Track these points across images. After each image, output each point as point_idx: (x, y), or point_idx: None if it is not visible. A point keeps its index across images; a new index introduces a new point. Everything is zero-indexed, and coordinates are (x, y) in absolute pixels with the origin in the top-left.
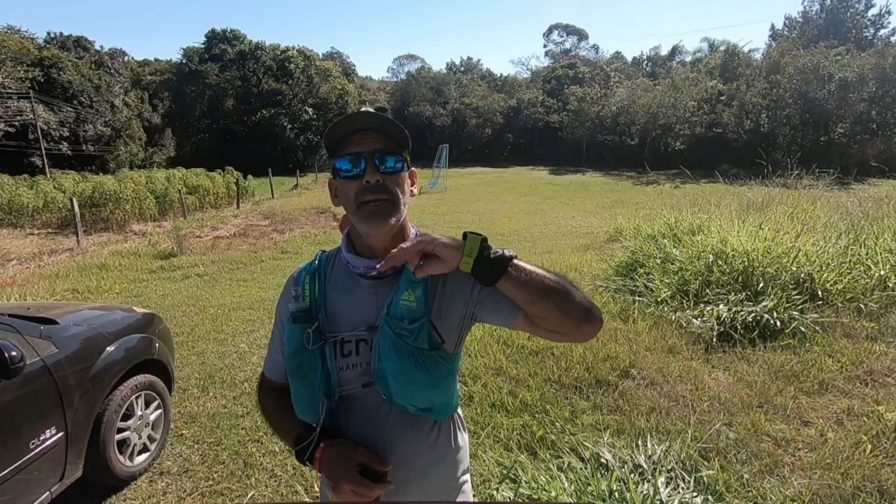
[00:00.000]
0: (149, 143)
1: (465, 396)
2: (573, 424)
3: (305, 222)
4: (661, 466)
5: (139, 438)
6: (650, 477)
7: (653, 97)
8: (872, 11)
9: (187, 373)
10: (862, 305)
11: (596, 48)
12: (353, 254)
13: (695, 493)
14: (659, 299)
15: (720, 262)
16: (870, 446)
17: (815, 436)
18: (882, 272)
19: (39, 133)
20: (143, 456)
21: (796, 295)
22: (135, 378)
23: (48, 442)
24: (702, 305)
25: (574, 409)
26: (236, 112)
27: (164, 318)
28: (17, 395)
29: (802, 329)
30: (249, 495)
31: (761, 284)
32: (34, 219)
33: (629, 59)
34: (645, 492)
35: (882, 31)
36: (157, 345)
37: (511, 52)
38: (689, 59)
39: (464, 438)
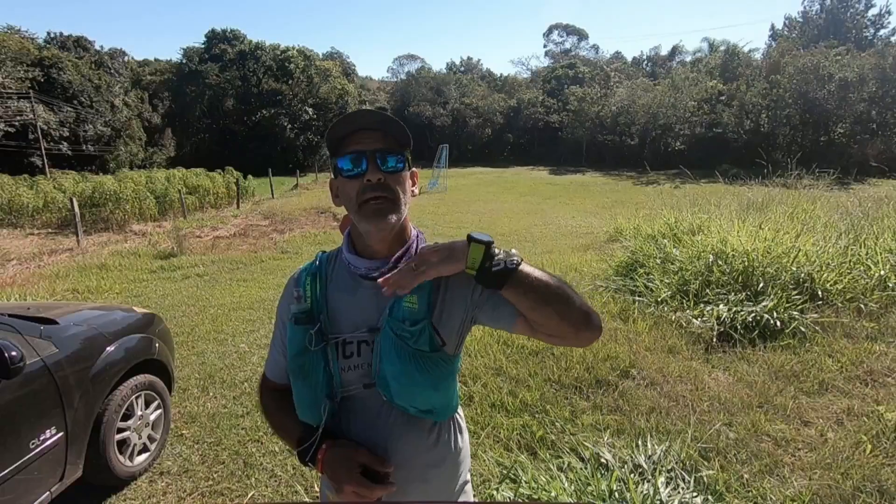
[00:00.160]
0: (149, 143)
1: (465, 396)
2: (573, 424)
3: (305, 222)
4: (661, 466)
5: (139, 438)
6: (650, 477)
7: (653, 97)
8: (872, 11)
9: (187, 373)
10: (862, 305)
11: (596, 48)
12: (354, 254)
13: (695, 493)
14: (659, 299)
15: (720, 262)
16: (870, 446)
17: (815, 436)
18: (882, 272)
19: (39, 133)
20: (143, 456)
21: (796, 295)
22: (135, 378)
23: (48, 442)
24: (702, 305)
25: (574, 409)
26: (236, 112)
27: (164, 318)
28: (17, 395)
29: (802, 329)
30: (249, 495)
31: (761, 284)
32: (34, 219)
33: (629, 59)
34: (645, 492)
35: (882, 31)
36: (157, 345)
37: (511, 52)
38: (689, 59)
39: (464, 439)
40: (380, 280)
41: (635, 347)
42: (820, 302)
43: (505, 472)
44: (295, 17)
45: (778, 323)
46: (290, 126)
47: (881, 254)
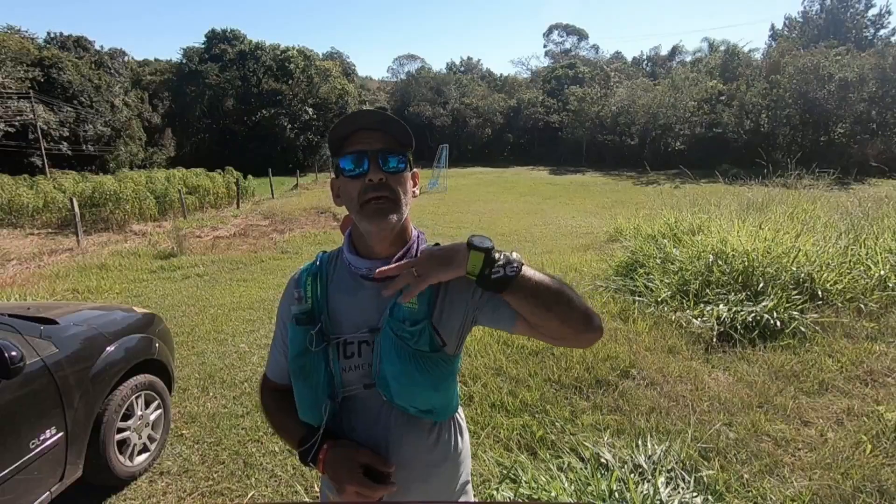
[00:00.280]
0: (149, 143)
1: (465, 396)
2: (573, 424)
3: (305, 222)
4: (661, 466)
5: (139, 438)
6: (650, 477)
7: (653, 97)
8: (872, 11)
9: (187, 373)
10: (862, 305)
11: (596, 48)
12: (354, 255)
13: (695, 493)
14: (659, 299)
15: (720, 262)
16: (870, 446)
17: (815, 436)
18: (882, 272)
19: (39, 133)
20: (143, 456)
21: (796, 295)
22: (135, 378)
23: (48, 442)
24: (702, 305)
25: (574, 409)
26: (236, 112)
27: (164, 318)
28: (17, 395)
29: (802, 329)
30: (249, 495)
31: (761, 284)
32: (34, 219)
33: (629, 59)
34: (645, 492)
35: (882, 31)
36: (157, 345)
37: (511, 52)
38: (689, 59)
39: (464, 439)
40: (377, 273)
41: (635, 347)
42: (820, 302)
43: (505, 472)
44: (295, 17)
45: (778, 323)
46: (290, 126)
47: (881, 254)
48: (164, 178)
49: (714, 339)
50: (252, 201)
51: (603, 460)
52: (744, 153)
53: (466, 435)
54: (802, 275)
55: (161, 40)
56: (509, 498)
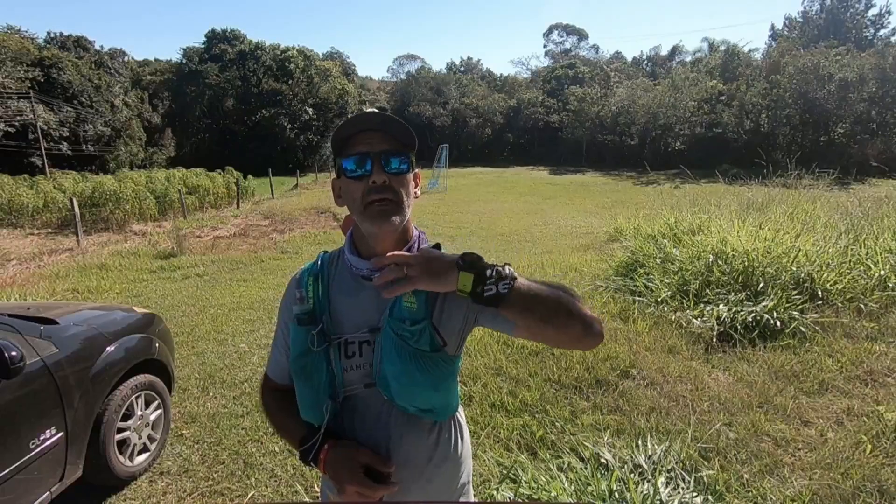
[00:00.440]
0: (149, 143)
1: (465, 396)
2: (573, 424)
3: (305, 222)
4: (661, 466)
5: (139, 438)
6: (650, 477)
7: (653, 97)
8: (872, 11)
9: (187, 373)
10: (862, 305)
11: (596, 48)
12: (356, 256)
13: (695, 493)
14: (659, 299)
15: (720, 262)
16: (870, 446)
17: (815, 436)
18: (882, 272)
19: (39, 133)
20: (143, 456)
21: (796, 295)
22: (135, 378)
23: (48, 442)
24: (702, 305)
25: (574, 409)
26: (236, 112)
27: (164, 318)
28: (17, 395)
29: (802, 329)
30: (249, 495)
31: (761, 284)
32: (34, 219)
33: (629, 59)
34: (645, 492)
35: (882, 31)
36: (157, 345)
37: (511, 52)
38: (689, 59)
39: (465, 439)
40: (375, 283)
41: (635, 347)
42: (820, 302)
43: (505, 472)
44: (295, 17)
45: (778, 323)
46: (290, 126)
47: (881, 254)
48: (164, 178)
49: (714, 339)
50: (252, 201)
51: (603, 460)
52: (744, 153)
53: (467, 435)
54: (802, 275)
55: (161, 40)
56: (509, 498)
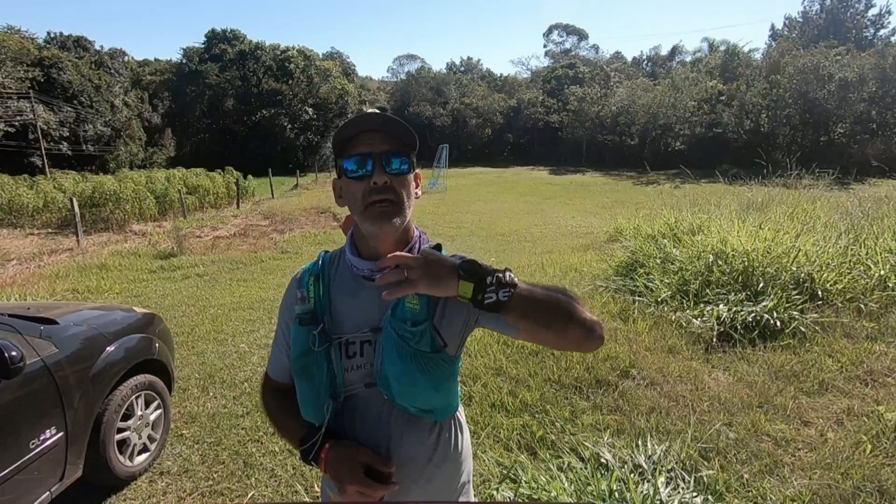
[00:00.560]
0: (149, 143)
1: (465, 396)
2: (573, 424)
3: (305, 222)
4: (661, 466)
5: (139, 438)
6: (650, 477)
7: (653, 97)
8: (872, 11)
9: (187, 373)
10: (862, 305)
11: (596, 48)
12: (357, 256)
13: (695, 493)
14: (659, 299)
15: (720, 262)
16: (870, 446)
17: (815, 436)
18: (882, 272)
19: (39, 133)
20: (143, 456)
21: (796, 295)
22: (135, 378)
23: (48, 442)
24: (702, 305)
25: (574, 409)
26: (236, 112)
27: (164, 318)
28: (17, 395)
29: (802, 329)
30: (249, 495)
31: (761, 284)
32: (34, 219)
33: (629, 59)
34: (645, 492)
35: (882, 31)
36: (157, 345)
37: (511, 52)
38: (689, 59)
39: (465, 439)
40: (377, 283)
41: (635, 347)
42: (820, 302)
43: (505, 472)
44: (295, 17)
45: (778, 323)
46: (290, 126)
47: (881, 254)
48: (164, 178)
49: (714, 339)
50: (252, 201)
51: (603, 460)
52: (744, 153)
53: (467, 435)
54: (802, 275)
55: (161, 40)
56: (509, 498)
